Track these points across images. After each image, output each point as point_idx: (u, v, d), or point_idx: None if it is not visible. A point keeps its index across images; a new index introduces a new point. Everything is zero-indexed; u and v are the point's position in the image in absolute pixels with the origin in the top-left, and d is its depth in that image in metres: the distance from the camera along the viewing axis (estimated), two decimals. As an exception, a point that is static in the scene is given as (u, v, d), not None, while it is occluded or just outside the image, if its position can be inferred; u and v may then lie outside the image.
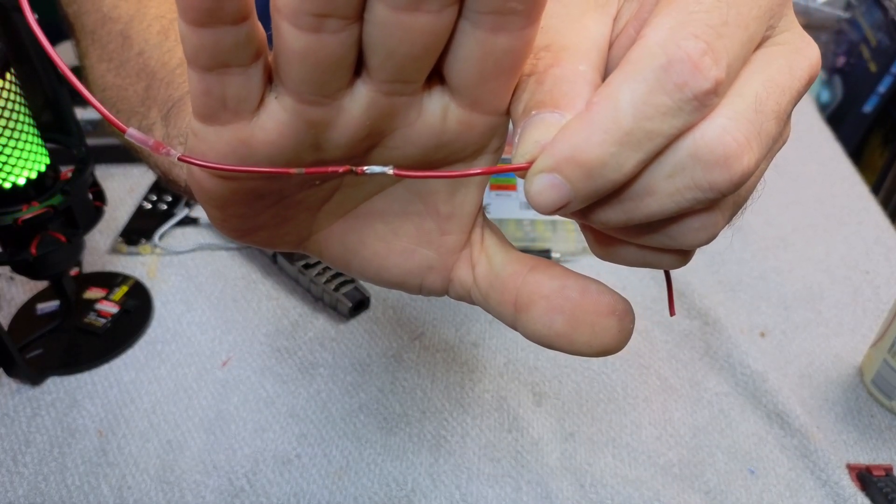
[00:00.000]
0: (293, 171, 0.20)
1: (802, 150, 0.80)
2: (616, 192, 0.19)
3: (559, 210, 0.19)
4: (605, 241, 0.22)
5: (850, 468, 0.48)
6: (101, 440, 0.49)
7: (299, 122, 0.19)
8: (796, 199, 0.73)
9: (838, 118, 1.15)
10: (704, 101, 0.17)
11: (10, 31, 0.45)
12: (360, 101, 0.19)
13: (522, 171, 0.19)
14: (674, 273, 0.25)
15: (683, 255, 0.22)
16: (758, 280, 0.63)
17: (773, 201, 0.72)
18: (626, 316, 0.22)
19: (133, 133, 0.19)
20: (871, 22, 1.14)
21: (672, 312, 0.25)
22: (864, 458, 0.49)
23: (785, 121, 0.19)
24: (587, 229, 0.23)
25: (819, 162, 0.78)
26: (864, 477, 0.47)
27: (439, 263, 0.25)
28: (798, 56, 0.20)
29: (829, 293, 0.62)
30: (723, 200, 0.20)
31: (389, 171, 0.20)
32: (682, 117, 0.18)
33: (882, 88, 1.09)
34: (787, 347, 0.57)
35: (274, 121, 0.19)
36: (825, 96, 1.18)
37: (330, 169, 0.20)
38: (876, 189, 1.13)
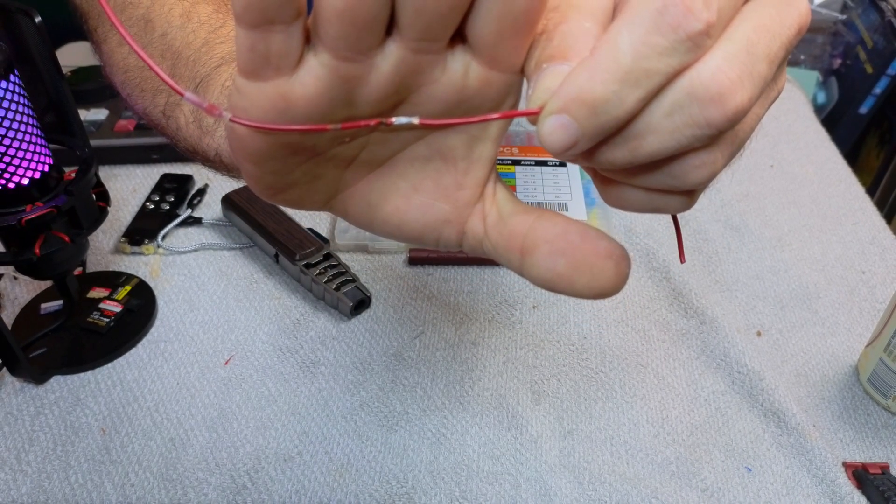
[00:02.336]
0: (329, 127, 0.22)
1: (799, 152, 0.81)
2: (620, 131, 0.21)
3: (569, 151, 0.21)
4: (614, 185, 0.24)
5: (847, 466, 0.49)
6: (105, 438, 0.49)
7: (335, 77, 0.21)
8: (793, 200, 0.73)
9: (834, 119, 1.16)
10: (697, 42, 0.19)
11: (14, 33, 0.46)
12: (390, 59, 0.21)
13: (534, 115, 0.21)
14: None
15: (688, 197, 0.24)
16: (754, 280, 0.63)
17: (769, 202, 0.73)
18: (622, 260, 0.24)
19: (190, 96, 0.21)
20: (868, 24, 1.15)
21: (682, 259, 0.27)
22: (860, 456, 0.50)
23: (777, 66, 0.21)
24: (597, 176, 0.25)
25: (815, 163, 0.79)
26: (861, 475, 0.48)
27: (455, 217, 0.27)
28: (787, 6, 0.21)
29: (825, 293, 0.63)
30: (721, 139, 0.21)
31: (415, 120, 0.22)
32: (678, 56, 0.19)
33: (878, 90, 1.10)
34: (783, 346, 0.57)
35: (312, 76, 0.21)
36: (821, 97, 1.19)
37: (363, 123, 0.22)
38: (872, 190, 1.14)
